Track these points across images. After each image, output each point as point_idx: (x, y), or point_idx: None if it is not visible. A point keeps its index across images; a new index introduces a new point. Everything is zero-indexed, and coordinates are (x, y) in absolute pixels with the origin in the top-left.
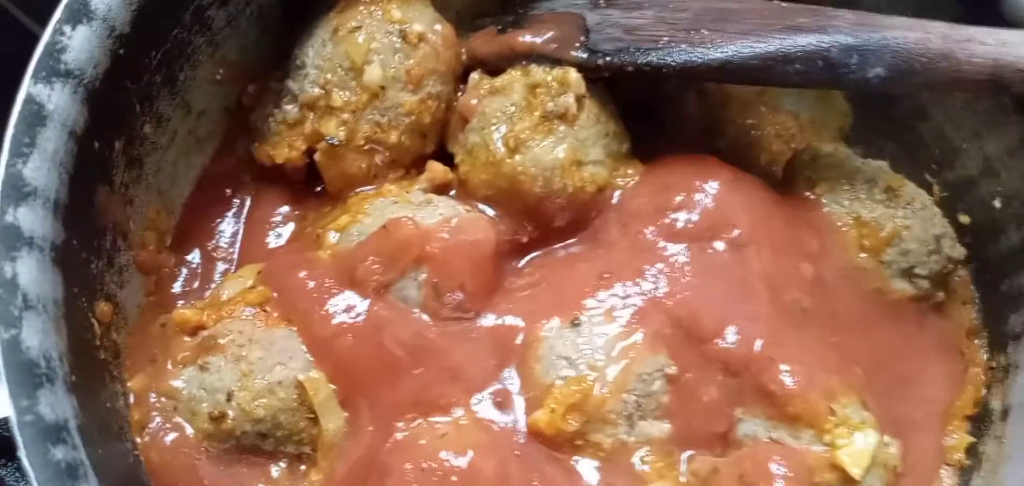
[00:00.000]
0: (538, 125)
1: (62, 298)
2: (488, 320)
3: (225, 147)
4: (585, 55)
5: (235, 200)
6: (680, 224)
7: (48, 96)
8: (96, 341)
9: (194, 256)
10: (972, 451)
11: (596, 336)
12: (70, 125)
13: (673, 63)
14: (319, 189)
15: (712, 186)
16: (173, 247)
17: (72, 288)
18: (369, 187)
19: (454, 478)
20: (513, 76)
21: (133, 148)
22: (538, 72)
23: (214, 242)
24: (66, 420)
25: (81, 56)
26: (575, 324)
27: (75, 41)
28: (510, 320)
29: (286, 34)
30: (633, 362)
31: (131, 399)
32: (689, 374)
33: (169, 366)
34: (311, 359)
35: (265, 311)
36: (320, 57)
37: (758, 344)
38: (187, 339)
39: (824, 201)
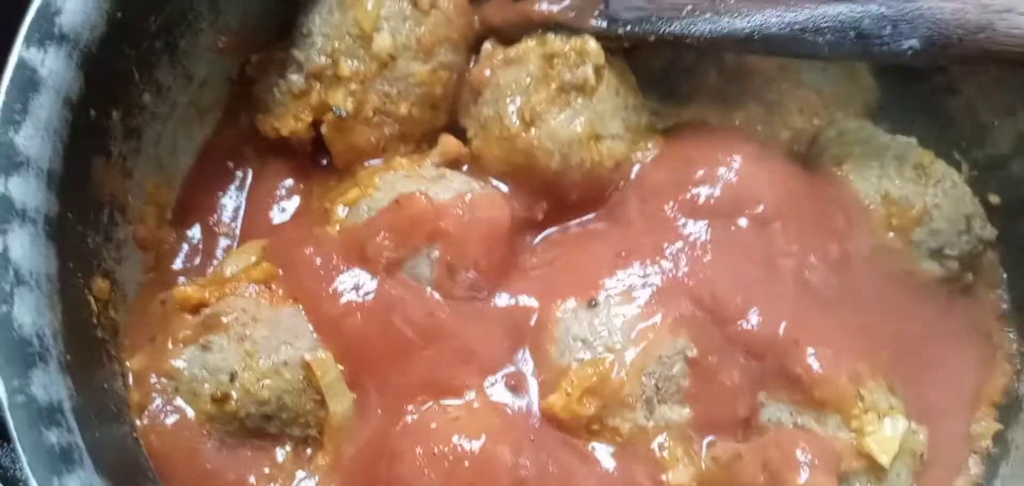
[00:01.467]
0: (555, 97)
1: (56, 273)
2: (502, 300)
3: (227, 119)
4: (604, 24)
5: (237, 173)
6: (701, 200)
7: (41, 61)
8: (93, 319)
9: (195, 231)
10: (999, 438)
11: (614, 317)
12: (65, 92)
13: (697, 33)
14: (325, 162)
15: (735, 160)
16: (173, 222)
17: (67, 263)
18: (378, 160)
19: (466, 463)
20: (528, 46)
21: (132, 118)
22: (555, 42)
23: (216, 216)
24: (60, 401)
25: (76, 19)
26: (592, 305)
27: (70, 3)
28: (524, 300)
29: (291, 1)
30: (652, 344)
31: (130, 380)
32: (711, 357)
33: (170, 345)
34: (318, 338)
35: (270, 288)
36: (327, 24)
37: (783, 326)
38: (188, 317)
39: (851, 178)
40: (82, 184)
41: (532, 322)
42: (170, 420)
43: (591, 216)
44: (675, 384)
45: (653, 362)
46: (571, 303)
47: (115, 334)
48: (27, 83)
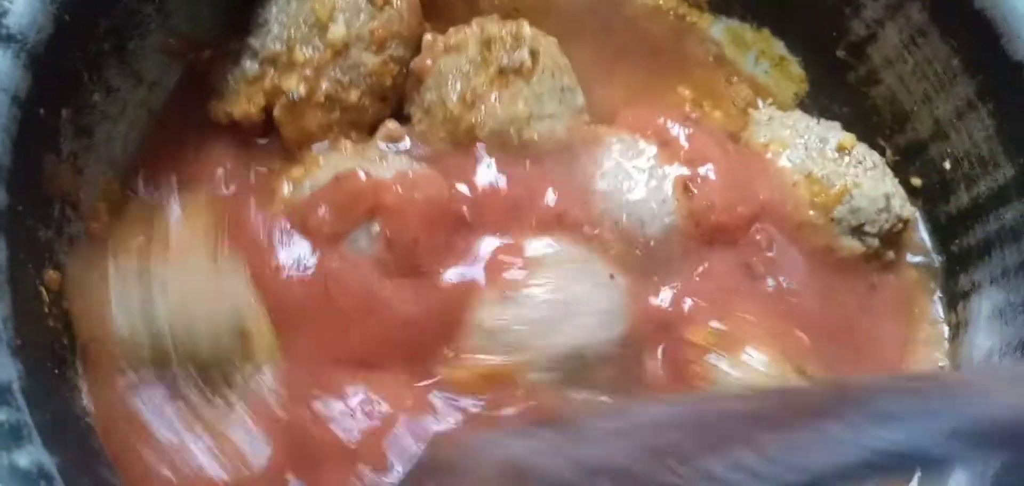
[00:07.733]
0: (494, 80)
1: (6, 263)
2: (438, 278)
3: (177, 113)
4: None
5: (184, 162)
6: None
7: None
8: (45, 309)
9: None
10: None
11: (533, 299)
12: (13, 90)
13: None
14: (268, 144)
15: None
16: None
17: (17, 254)
18: (326, 144)
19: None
20: (467, 33)
21: (82, 117)
22: (491, 27)
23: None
24: (10, 382)
25: (23, 20)
26: (513, 290)
27: (17, 4)
28: (459, 280)
29: (239, 3)
30: (569, 328)
31: (81, 368)
32: (629, 340)
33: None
34: (255, 302)
35: (212, 256)
36: (284, 14)
37: (688, 303)
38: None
39: (777, 156)
40: (33, 180)
41: (465, 301)
42: (117, 394)
43: None
44: (590, 370)
45: (566, 351)
46: (501, 285)
47: (68, 324)
48: None
